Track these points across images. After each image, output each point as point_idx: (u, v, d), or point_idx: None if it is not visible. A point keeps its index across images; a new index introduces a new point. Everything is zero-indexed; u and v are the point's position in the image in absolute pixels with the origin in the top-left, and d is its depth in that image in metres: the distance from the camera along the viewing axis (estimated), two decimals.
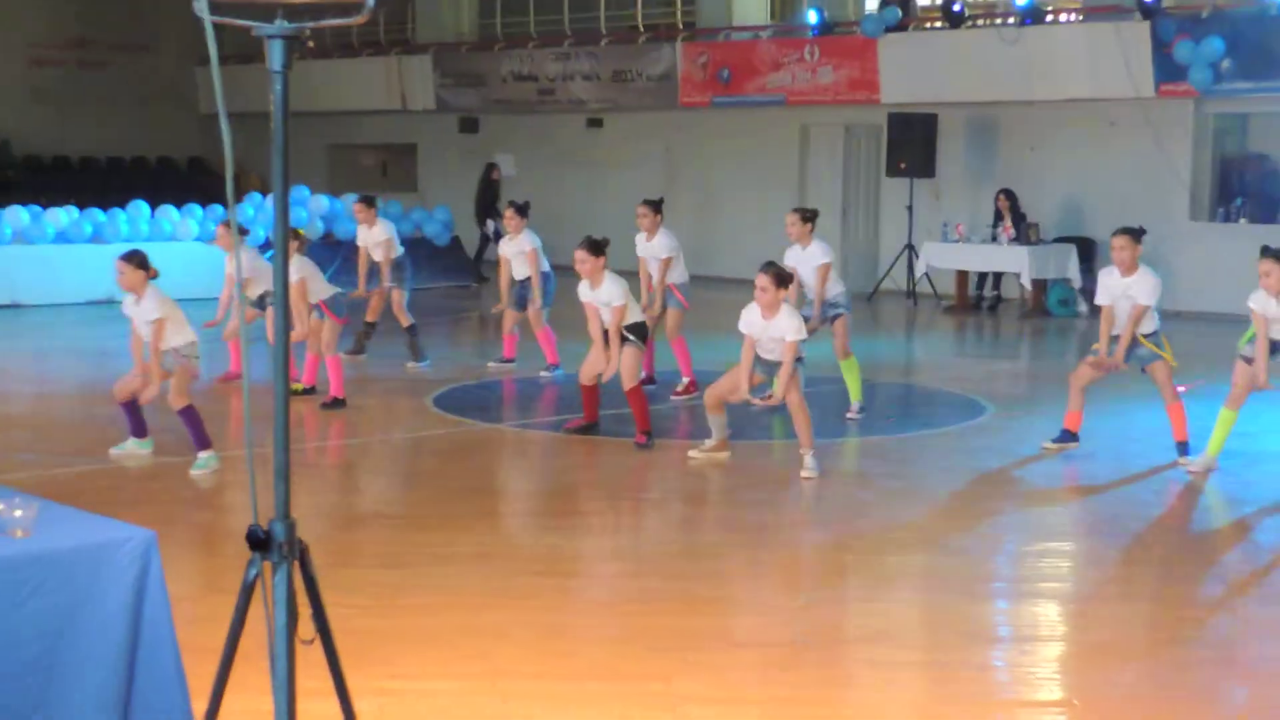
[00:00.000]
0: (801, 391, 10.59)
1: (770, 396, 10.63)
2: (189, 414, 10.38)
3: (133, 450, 10.84)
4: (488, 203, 25.10)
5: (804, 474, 10.55)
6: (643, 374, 12.06)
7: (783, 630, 7.38)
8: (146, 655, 4.55)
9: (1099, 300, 11.28)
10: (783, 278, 10.50)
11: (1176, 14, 20.75)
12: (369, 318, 15.97)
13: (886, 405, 14.08)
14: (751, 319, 10.60)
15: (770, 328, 10.50)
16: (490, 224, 24.29)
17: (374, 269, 15.67)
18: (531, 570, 8.20)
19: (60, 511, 4.83)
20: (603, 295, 11.59)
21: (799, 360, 10.54)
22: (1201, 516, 10.29)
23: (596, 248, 11.68)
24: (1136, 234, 11.15)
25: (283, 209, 3.58)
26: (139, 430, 10.83)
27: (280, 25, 3.39)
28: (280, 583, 3.65)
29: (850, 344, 12.80)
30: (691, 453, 11.19)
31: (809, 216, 12.98)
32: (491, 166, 25.63)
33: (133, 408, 10.71)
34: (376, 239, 15.58)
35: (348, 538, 9.00)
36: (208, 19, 3.24)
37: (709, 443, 11.15)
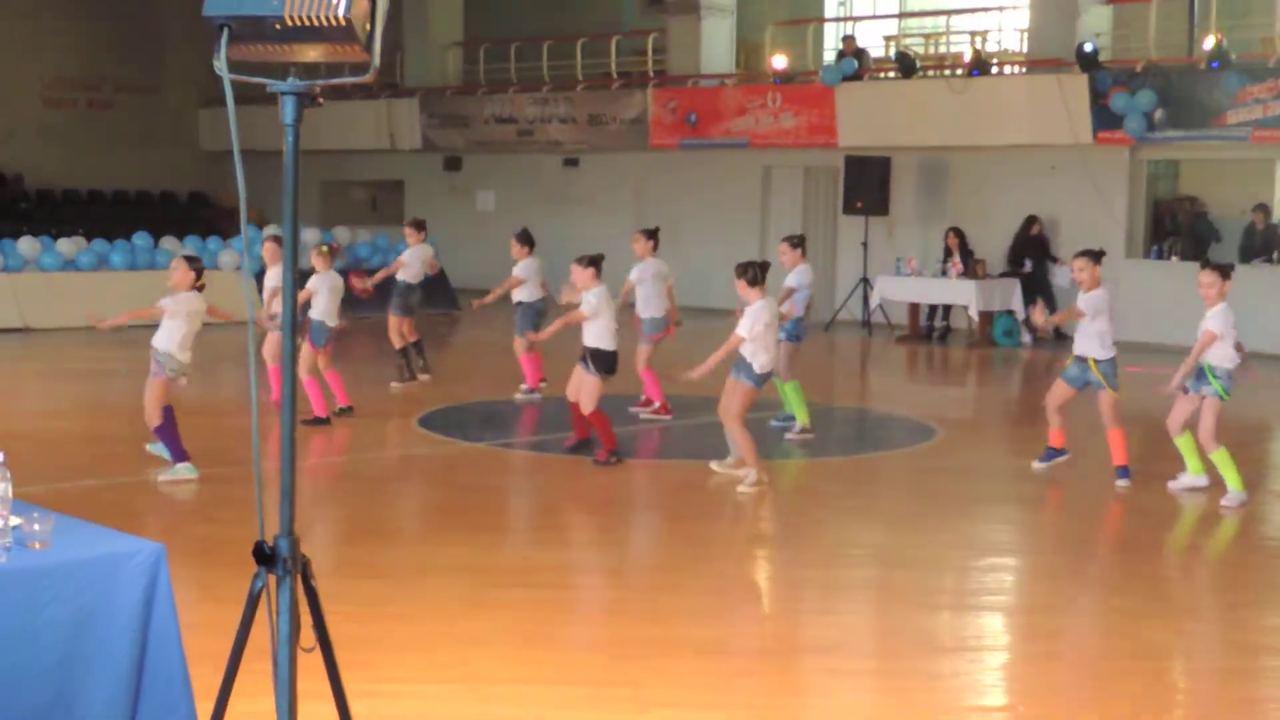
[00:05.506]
0: (742, 412, 10.70)
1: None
2: (162, 430, 10.35)
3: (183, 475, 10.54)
4: (1026, 251, 22.08)
5: (740, 489, 10.68)
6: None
7: (745, 640, 7.43)
8: (154, 659, 4.57)
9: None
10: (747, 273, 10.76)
11: (1113, 68, 21.00)
12: (412, 338, 15.79)
13: (842, 428, 14.14)
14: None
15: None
16: (1027, 263, 21.78)
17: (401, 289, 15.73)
18: (506, 582, 8.23)
19: (74, 524, 4.85)
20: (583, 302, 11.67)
21: (745, 374, 10.63)
22: (1140, 534, 10.29)
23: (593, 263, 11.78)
24: (1095, 255, 11.17)
25: (291, 247, 3.63)
26: (179, 454, 10.56)
27: (293, 82, 3.45)
28: (284, 594, 3.69)
29: (793, 369, 12.84)
30: (713, 464, 11.29)
31: (796, 243, 13.18)
32: (1032, 221, 22.09)
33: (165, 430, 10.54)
34: (419, 256, 15.83)
35: (334, 550, 9.02)
36: (226, 76, 3.30)
37: (729, 459, 11.23)
